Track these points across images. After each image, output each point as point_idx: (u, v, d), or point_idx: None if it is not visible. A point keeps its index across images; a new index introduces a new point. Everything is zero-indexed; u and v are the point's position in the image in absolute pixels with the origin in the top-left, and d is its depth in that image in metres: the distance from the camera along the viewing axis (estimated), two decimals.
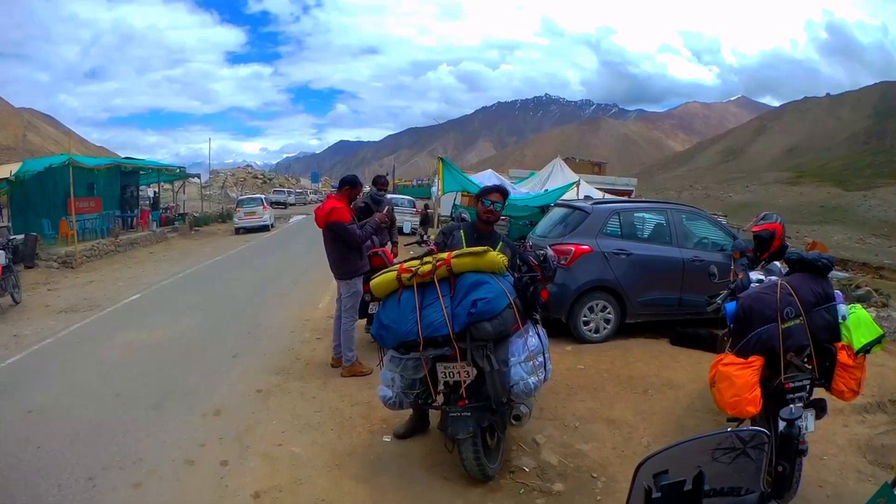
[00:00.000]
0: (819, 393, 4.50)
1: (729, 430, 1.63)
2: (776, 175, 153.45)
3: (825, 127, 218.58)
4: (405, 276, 4.59)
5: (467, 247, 5.01)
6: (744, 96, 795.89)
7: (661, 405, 6.51)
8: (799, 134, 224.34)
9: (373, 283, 4.85)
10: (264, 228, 32.13)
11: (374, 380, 6.52)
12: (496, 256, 4.61)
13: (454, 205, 16.42)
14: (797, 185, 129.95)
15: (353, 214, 7.46)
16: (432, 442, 5.33)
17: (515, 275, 4.87)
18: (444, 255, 4.64)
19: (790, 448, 1.44)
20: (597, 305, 8.86)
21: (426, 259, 4.72)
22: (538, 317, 5.11)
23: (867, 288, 25.22)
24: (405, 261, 4.88)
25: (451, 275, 4.53)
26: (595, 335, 8.86)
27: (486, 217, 5.42)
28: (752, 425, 4.58)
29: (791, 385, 4.25)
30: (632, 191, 29.23)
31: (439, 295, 4.48)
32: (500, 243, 5.34)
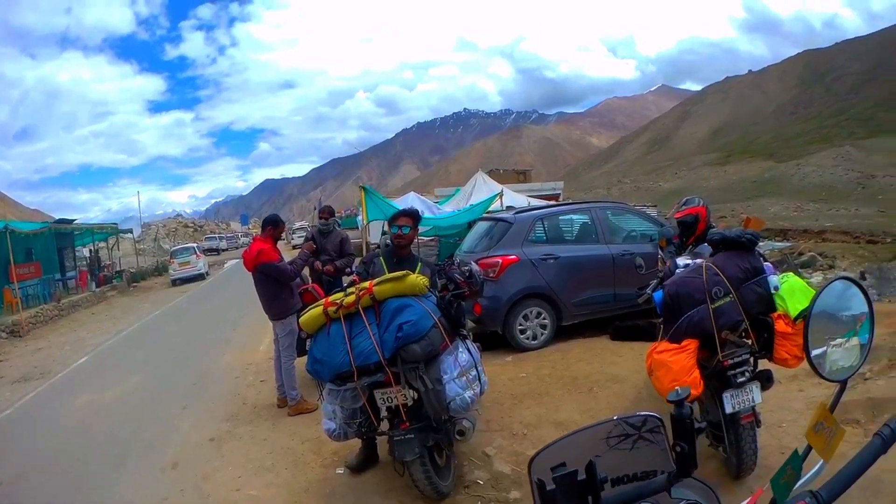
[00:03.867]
0: (767, 366, 4.69)
1: (615, 417, 1.69)
2: (704, 158, 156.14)
3: (750, 104, 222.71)
4: (331, 309, 4.74)
5: (388, 273, 5.16)
6: (664, 85, 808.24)
7: (607, 401, 6.71)
8: (723, 114, 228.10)
9: (301, 320, 5.00)
10: (200, 277, 32.88)
11: (320, 415, 6.59)
12: (416, 279, 4.80)
13: (383, 231, 16.53)
14: (727, 165, 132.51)
15: (280, 253, 7.61)
16: (384, 469, 5.45)
17: (438, 294, 5.06)
18: (366, 283, 4.81)
19: (684, 428, 1.55)
20: (531, 312, 9.05)
21: (349, 290, 4.88)
22: (466, 332, 5.28)
23: (811, 253, 25.91)
24: (330, 294, 5.06)
25: (374, 302, 4.70)
26: (533, 342, 9.05)
27: (398, 242, 5.66)
28: (698, 407, 4.91)
29: (730, 362, 4.35)
30: (559, 194, 29.47)
31: (366, 323, 4.63)
32: (420, 265, 5.59)
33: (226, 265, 42.05)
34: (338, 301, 4.76)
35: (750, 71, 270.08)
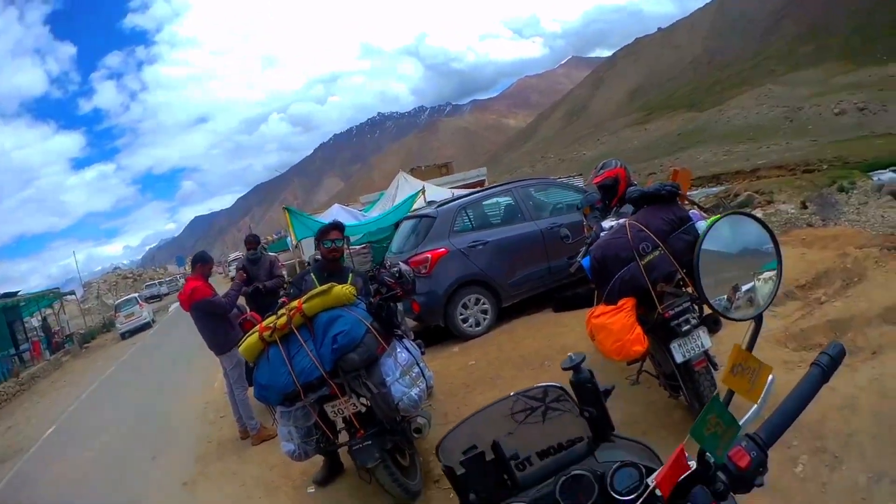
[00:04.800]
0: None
1: (512, 393, 1.70)
2: (624, 120, 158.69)
3: (664, 61, 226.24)
4: (266, 333, 4.75)
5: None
6: (574, 56, 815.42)
7: (561, 372, 6.76)
8: (638, 75, 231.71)
9: (240, 350, 5.01)
10: (147, 326, 33.20)
11: None
12: (341, 290, 4.84)
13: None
14: (648, 123, 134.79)
15: (213, 288, 7.72)
16: (353, 479, 5.49)
17: (368, 300, 5.14)
18: (295, 302, 4.85)
19: (586, 392, 1.53)
20: (470, 300, 9.13)
21: (280, 312, 4.91)
22: (401, 332, 5.39)
23: (746, 193, 26.47)
24: (263, 319, 5.08)
25: (306, 319, 4.74)
26: (477, 328, 9.13)
27: (330, 256, 5.75)
28: (657, 361, 4.99)
29: (671, 313, 4.36)
30: (483, 180, 29.60)
31: (301, 342, 4.66)
32: (351, 275, 5.67)
33: (170, 309, 42.26)
34: (271, 325, 4.77)
35: (659, 29, 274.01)
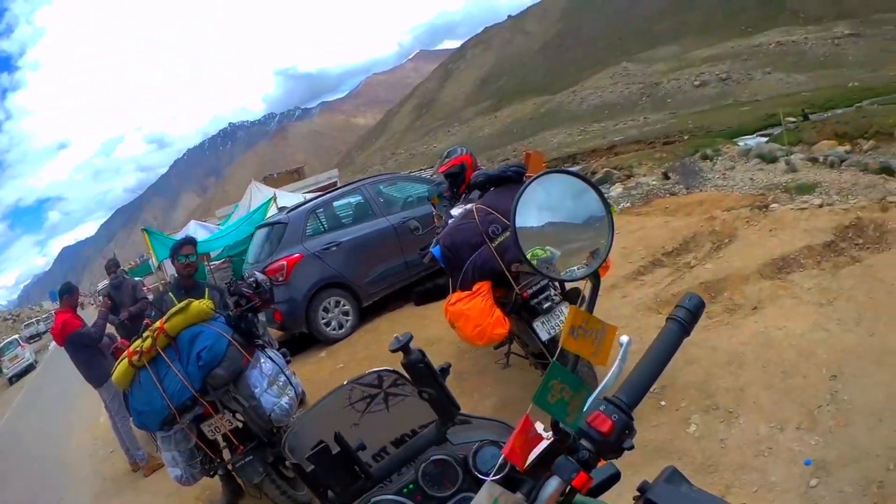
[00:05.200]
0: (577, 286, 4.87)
1: (346, 382, 1.68)
2: (475, 109, 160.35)
3: (515, 48, 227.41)
4: (134, 358, 4.61)
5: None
6: (422, 51, 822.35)
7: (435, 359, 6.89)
8: (488, 64, 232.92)
9: (113, 379, 4.88)
10: (31, 368, 32.15)
11: None
12: (199, 304, 4.78)
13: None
14: (499, 110, 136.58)
15: (82, 319, 7.58)
16: (248, 498, 5.44)
17: (226, 313, 5.05)
18: (158, 323, 4.72)
19: (420, 373, 1.50)
20: (330, 303, 9.15)
21: (145, 335, 4.76)
22: (263, 342, 5.29)
23: (605, 170, 27.07)
24: (130, 344, 4.93)
25: (170, 339, 4.63)
26: (341, 331, 9.18)
27: (185, 272, 5.84)
28: (523, 342, 5.04)
29: (529, 292, 4.39)
30: (335, 181, 29.43)
31: (168, 362, 4.56)
32: (206, 290, 5.69)
33: (50, 346, 40.79)
34: (138, 349, 4.63)
35: (509, 16, 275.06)
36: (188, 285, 5.76)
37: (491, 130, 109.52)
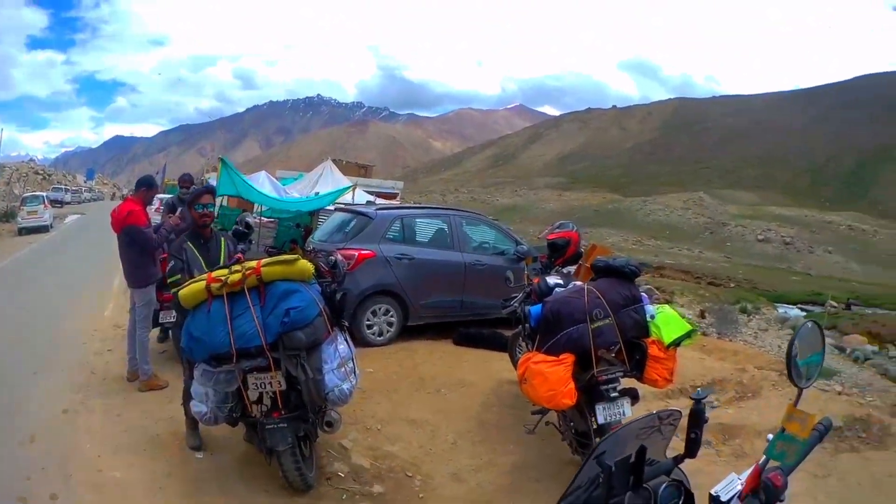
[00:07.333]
0: (634, 386, 5.16)
1: (654, 412, 2.11)
2: (548, 181, 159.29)
3: (607, 137, 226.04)
4: (214, 285, 4.60)
5: (199, 256, 5.41)
6: (521, 105, 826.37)
7: (457, 403, 7.11)
8: (576, 143, 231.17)
9: (181, 293, 4.79)
10: (45, 229, 30.98)
11: (171, 393, 6.69)
12: (305, 265, 4.79)
13: (221, 206, 16.13)
14: (570, 191, 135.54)
15: (150, 219, 7.47)
16: (246, 455, 5.49)
17: (322, 282, 5.11)
18: (254, 263, 4.73)
19: (700, 419, 1.97)
20: (380, 309, 9.25)
21: (234, 268, 4.76)
22: (346, 324, 5.36)
23: (647, 286, 27.17)
24: (214, 269, 4.92)
25: (260, 284, 4.62)
26: (379, 338, 9.25)
27: (202, 221, 5.69)
28: (567, 417, 5.36)
29: (604, 377, 4.82)
30: (397, 193, 29.41)
31: (250, 305, 4.56)
32: (223, 241, 5.81)
33: (66, 220, 39.70)
34: (222, 277, 4.63)
35: (614, 106, 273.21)
36: (205, 235, 5.71)
37: (555, 206, 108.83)
